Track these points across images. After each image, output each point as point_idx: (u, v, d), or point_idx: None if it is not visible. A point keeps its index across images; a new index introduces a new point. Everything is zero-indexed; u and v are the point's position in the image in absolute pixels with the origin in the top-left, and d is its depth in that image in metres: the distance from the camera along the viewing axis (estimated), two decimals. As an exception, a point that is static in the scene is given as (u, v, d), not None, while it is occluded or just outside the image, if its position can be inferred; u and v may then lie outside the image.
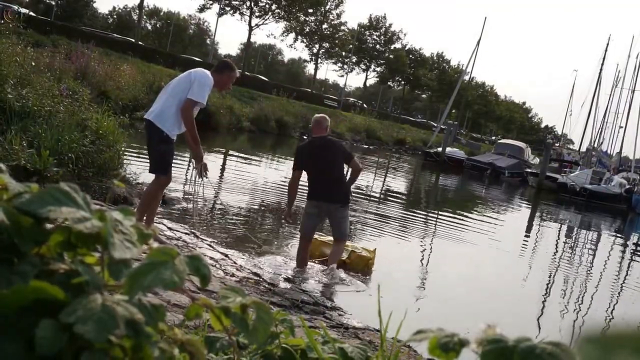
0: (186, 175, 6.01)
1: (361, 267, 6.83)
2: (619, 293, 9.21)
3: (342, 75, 74.47)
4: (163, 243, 5.14)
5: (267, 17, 56.23)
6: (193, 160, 5.81)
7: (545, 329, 6.39)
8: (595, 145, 43.34)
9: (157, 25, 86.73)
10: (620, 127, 48.22)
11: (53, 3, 68.09)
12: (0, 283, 0.74)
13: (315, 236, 6.85)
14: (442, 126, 42.73)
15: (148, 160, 5.74)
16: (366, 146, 39.82)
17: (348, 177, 6.65)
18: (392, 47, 76.67)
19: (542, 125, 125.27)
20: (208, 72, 5.63)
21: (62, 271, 0.80)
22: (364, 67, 76.16)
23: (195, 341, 0.86)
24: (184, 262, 0.85)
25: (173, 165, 5.78)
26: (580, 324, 6.98)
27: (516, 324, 6.09)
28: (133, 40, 45.64)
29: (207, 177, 5.90)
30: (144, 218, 5.57)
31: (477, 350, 0.74)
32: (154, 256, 0.83)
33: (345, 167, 6.43)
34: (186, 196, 8.63)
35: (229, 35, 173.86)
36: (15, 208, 0.80)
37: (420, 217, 12.98)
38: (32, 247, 0.80)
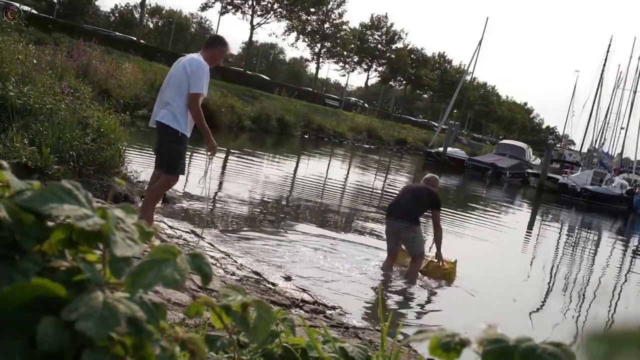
0: (205, 167, 6.08)
1: (437, 276, 7.23)
2: (619, 294, 9.21)
3: (344, 75, 74.62)
4: (164, 241, 5.14)
5: (269, 16, 56.22)
6: (208, 151, 5.81)
7: (546, 329, 6.38)
8: (597, 146, 43.30)
9: (159, 24, 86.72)
10: (622, 128, 48.21)
11: (55, 1, 68.09)
12: (1, 280, 0.74)
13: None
14: (443, 126, 42.69)
15: (155, 160, 5.74)
16: (367, 146, 39.80)
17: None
18: (394, 46, 76.56)
19: (544, 126, 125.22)
20: (199, 58, 5.56)
21: (64, 268, 0.80)
22: (365, 66, 76.08)
23: (197, 339, 0.86)
24: (185, 260, 0.85)
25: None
26: (582, 324, 6.97)
27: (517, 324, 6.09)
28: (135, 38, 45.59)
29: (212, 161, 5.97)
30: (146, 213, 5.57)
31: (478, 350, 0.74)
32: (155, 254, 0.83)
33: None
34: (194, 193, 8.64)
35: (231, 34, 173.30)
36: (17, 205, 0.80)
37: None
38: (33, 244, 0.81)
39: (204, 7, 56.76)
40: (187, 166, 6.04)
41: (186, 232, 6.52)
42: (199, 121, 5.51)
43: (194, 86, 5.39)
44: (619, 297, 8.91)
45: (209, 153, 5.85)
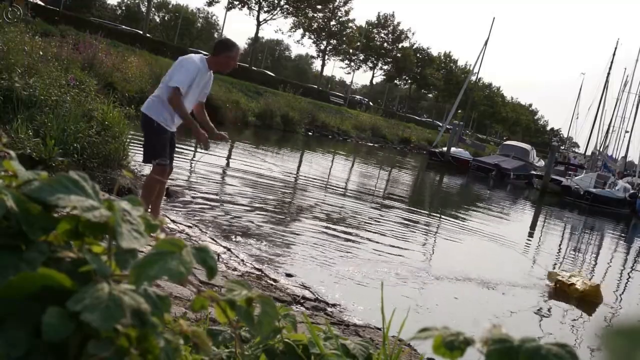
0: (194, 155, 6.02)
1: (576, 297, 7.76)
2: (621, 296, 9.19)
3: (349, 73, 74.30)
4: (169, 235, 5.13)
5: (275, 12, 56.22)
6: (199, 143, 5.63)
7: (548, 330, 6.38)
8: (601, 149, 43.24)
9: (166, 18, 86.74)
10: (626, 131, 48.22)
11: (62, -7, 68.05)
12: (8, 270, 0.74)
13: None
14: (447, 126, 42.64)
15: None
16: (371, 144, 39.78)
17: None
18: (400, 45, 76.46)
19: (548, 128, 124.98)
20: (190, 57, 5.52)
21: (70, 259, 0.81)
22: (371, 65, 75.99)
23: (202, 333, 0.86)
24: (190, 254, 0.85)
25: (176, 157, 5.76)
26: (584, 325, 6.97)
27: (518, 324, 6.08)
28: (141, 32, 45.62)
29: (208, 149, 5.75)
30: (149, 209, 5.57)
31: (482, 350, 0.74)
32: (161, 246, 0.83)
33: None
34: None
35: (237, 29, 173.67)
36: (24, 195, 0.80)
37: (422, 217, 12.97)
38: (40, 234, 0.81)
39: (211, 2, 56.82)
40: (190, 161, 6.03)
41: (188, 226, 6.53)
42: (180, 115, 5.36)
43: (173, 80, 5.29)
44: (621, 300, 8.89)
45: (200, 145, 5.65)
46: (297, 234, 7.92)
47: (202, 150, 5.92)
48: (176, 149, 5.91)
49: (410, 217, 12.03)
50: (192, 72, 5.37)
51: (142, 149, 5.70)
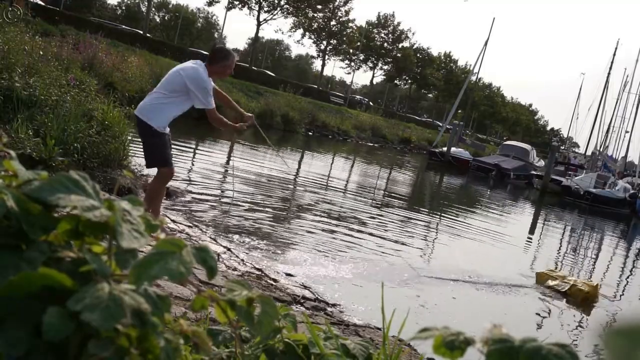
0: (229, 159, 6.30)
1: (580, 299, 7.79)
2: (621, 296, 9.19)
3: (349, 73, 74.27)
4: (170, 235, 5.12)
5: (275, 12, 56.19)
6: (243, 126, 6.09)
7: (548, 330, 6.38)
8: (601, 149, 43.27)
9: (166, 18, 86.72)
10: (627, 131, 48.25)
11: (62, -7, 68.01)
12: (8, 269, 0.74)
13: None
14: (447, 126, 42.62)
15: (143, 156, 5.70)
16: (371, 144, 39.78)
17: None
18: (400, 45, 76.43)
19: (548, 128, 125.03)
20: (197, 67, 5.50)
21: (70, 259, 0.80)
22: (371, 65, 75.96)
23: (202, 332, 0.86)
24: (190, 254, 0.85)
25: (176, 157, 5.77)
26: (583, 325, 6.97)
27: (520, 324, 6.08)
28: (141, 32, 45.62)
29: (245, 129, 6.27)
30: (149, 210, 5.56)
31: (482, 350, 0.74)
32: (161, 246, 0.83)
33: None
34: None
35: (237, 29, 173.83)
36: (24, 195, 0.80)
37: (422, 216, 12.97)
38: (40, 234, 0.81)
39: (211, 2, 56.79)
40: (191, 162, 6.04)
41: (188, 226, 6.52)
42: (223, 125, 5.75)
43: (203, 102, 5.43)
44: (620, 300, 8.89)
45: (245, 125, 6.15)
46: (297, 234, 7.92)
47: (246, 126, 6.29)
48: (177, 149, 5.92)
49: (411, 217, 12.02)
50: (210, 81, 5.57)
51: (142, 153, 5.65)
